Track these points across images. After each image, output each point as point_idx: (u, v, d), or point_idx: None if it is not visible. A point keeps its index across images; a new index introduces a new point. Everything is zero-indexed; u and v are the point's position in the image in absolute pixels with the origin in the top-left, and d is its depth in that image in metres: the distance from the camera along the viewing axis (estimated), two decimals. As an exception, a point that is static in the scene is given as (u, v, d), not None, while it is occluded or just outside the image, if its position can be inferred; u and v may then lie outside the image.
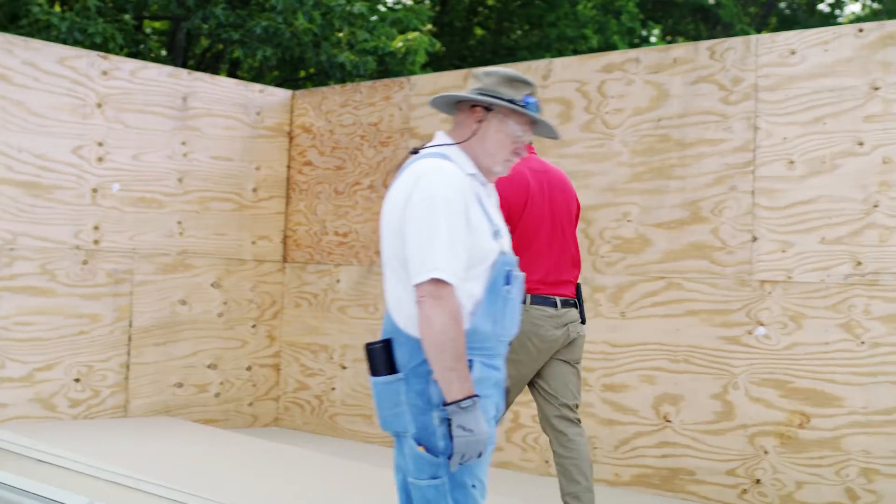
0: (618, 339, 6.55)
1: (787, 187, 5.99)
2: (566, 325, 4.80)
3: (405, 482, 3.17)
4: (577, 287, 4.93)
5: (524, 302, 4.69)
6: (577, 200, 5.02)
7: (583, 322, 4.91)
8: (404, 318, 3.11)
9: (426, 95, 7.72)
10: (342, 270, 8.14)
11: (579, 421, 4.86)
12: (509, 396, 4.79)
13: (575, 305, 4.88)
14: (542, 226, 4.81)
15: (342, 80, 13.80)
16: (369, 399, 7.81)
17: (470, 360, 3.07)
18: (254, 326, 8.36)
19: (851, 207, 5.76)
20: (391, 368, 3.12)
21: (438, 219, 3.02)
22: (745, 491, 6.00)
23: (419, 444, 3.07)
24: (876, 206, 5.68)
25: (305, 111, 8.57)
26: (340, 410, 8.06)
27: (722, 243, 6.20)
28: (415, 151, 3.25)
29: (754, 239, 6.08)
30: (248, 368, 8.32)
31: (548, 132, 3.37)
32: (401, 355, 3.12)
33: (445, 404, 2.97)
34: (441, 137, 3.28)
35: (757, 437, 5.98)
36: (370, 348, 3.16)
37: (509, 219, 4.68)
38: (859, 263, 5.70)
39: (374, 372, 3.15)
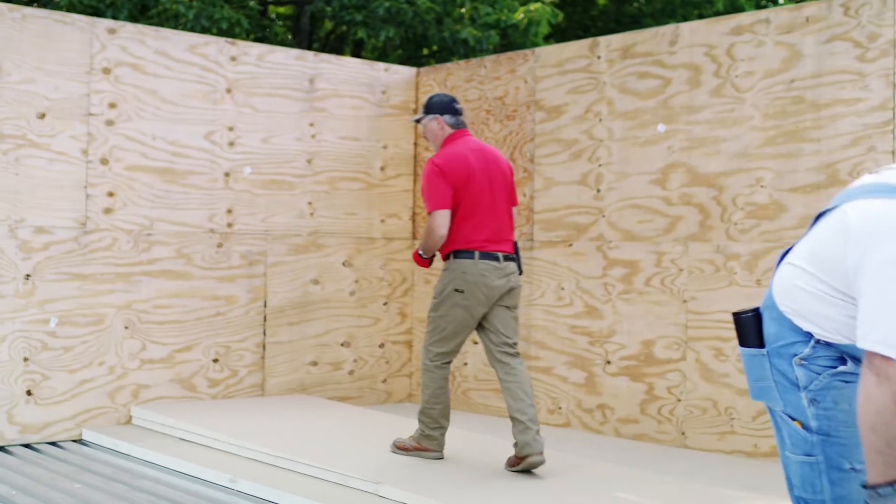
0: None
1: (930, 146, 5.77)
2: (507, 275, 5.79)
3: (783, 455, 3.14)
4: (515, 244, 5.92)
5: (473, 257, 5.68)
6: (509, 168, 6.00)
7: (520, 273, 5.88)
8: (788, 304, 3.01)
9: (551, 67, 7.64)
10: (471, 246, 8.12)
11: (518, 354, 5.85)
12: (461, 337, 5.85)
13: (513, 259, 5.85)
14: (483, 195, 5.80)
15: (465, 56, 13.79)
16: (502, 374, 7.81)
17: None
18: (385, 304, 8.42)
19: None
20: (758, 341, 3.08)
21: None
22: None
23: (793, 419, 3.04)
24: None
25: (430, 88, 8.58)
26: (473, 385, 8.07)
27: (861, 206, 6.00)
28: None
29: None
30: (381, 346, 8.39)
31: None
32: (769, 330, 3.06)
33: (865, 486, 2.81)
34: None
35: None
36: (739, 317, 3.12)
37: (456, 192, 5.72)
38: None
39: (741, 342, 3.13)
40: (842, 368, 2.95)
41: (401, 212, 8.56)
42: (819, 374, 2.96)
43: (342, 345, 8.15)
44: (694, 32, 6.83)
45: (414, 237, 8.58)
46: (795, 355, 2.98)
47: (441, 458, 5.88)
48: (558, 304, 7.48)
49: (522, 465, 5.54)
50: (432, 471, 5.58)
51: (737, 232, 6.52)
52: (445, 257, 5.85)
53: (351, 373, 8.20)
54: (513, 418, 5.60)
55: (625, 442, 6.91)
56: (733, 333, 6.45)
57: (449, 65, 8.62)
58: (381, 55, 16.47)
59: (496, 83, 8.06)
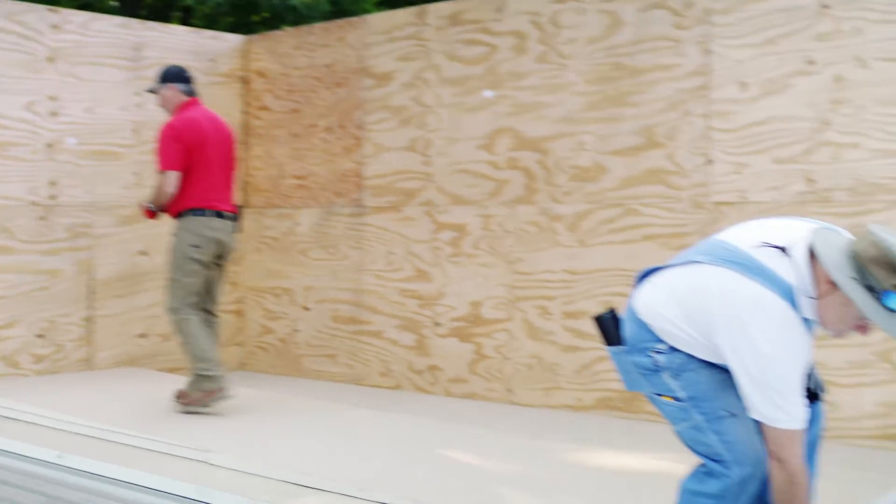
0: (577, 267, 6.59)
1: (741, 109, 6.01)
2: (232, 233, 6.36)
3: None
4: (237, 206, 6.49)
5: (206, 215, 6.19)
6: (233, 135, 6.55)
7: (237, 231, 6.47)
8: (650, 322, 3.29)
9: (380, 34, 7.67)
10: (302, 213, 8.12)
11: (217, 311, 6.45)
12: (200, 285, 6.24)
13: (236, 219, 6.42)
14: (214, 158, 6.29)
15: (296, 23, 13.68)
16: (333, 339, 7.86)
17: None
18: (217, 273, 8.34)
19: (803, 126, 5.79)
20: (619, 339, 3.38)
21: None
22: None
23: (664, 396, 3.31)
24: (827, 124, 5.71)
25: (259, 56, 8.50)
26: (305, 352, 8.08)
27: (677, 167, 6.23)
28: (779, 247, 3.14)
29: (709, 162, 6.11)
30: (214, 316, 8.30)
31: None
32: (628, 331, 3.36)
33: None
34: (793, 263, 3.11)
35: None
36: (600, 319, 3.41)
37: (190, 154, 6.16)
38: (812, 181, 5.75)
39: (605, 341, 3.42)
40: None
41: (231, 180, 8.46)
42: (676, 355, 3.25)
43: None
44: (520, 0, 6.95)
45: (245, 205, 8.50)
46: (651, 349, 3.28)
47: (229, 397, 6.17)
48: (388, 268, 7.55)
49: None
50: (266, 438, 5.58)
51: (561, 194, 6.69)
52: (178, 215, 6.26)
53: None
54: None
55: (455, 401, 7.04)
56: (558, 293, 6.63)
57: (278, 32, 8.57)
58: (211, 22, 16.18)
59: (325, 50, 8.05)
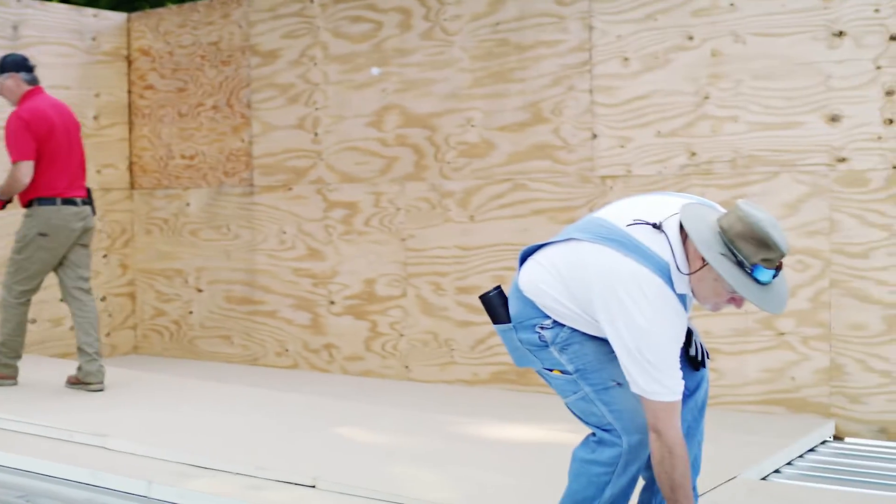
0: (468, 243, 6.68)
1: (623, 84, 6.15)
2: (84, 218, 6.40)
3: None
4: (88, 189, 6.52)
5: (56, 203, 6.26)
6: (78, 122, 6.59)
7: (94, 214, 6.52)
8: (534, 298, 3.34)
9: (265, 12, 7.63)
10: (191, 193, 8.07)
11: (91, 290, 6.54)
12: (43, 276, 6.46)
13: (88, 203, 6.46)
14: (61, 146, 6.34)
15: (179, 1, 13.48)
16: (227, 320, 7.84)
17: None
18: (105, 256, 8.24)
19: (684, 100, 5.95)
20: (506, 317, 3.43)
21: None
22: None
23: (552, 370, 3.38)
24: (707, 97, 5.87)
25: (143, 34, 8.39)
26: (199, 333, 8.05)
27: (563, 142, 6.35)
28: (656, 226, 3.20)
29: (594, 136, 6.24)
30: (103, 299, 8.21)
31: (769, 306, 3.15)
32: (514, 308, 3.41)
33: None
34: (667, 239, 3.19)
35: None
36: (485, 297, 3.47)
37: (39, 144, 6.21)
38: (694, 154, 5.91)
39: (492, 319, 3.48)
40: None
41: (117, 161, 8.36)
42: (562, 329, 3.32)
43: (61, 300, 7.92)
44: (403, -23, 6.99)
45: (132, 187, 8.41)
46: (537, 325, 3.35)
47: (17, 385, 6.44)
48: (281, 247, 7.55)
49: (83, 387, 6.32)
50: (161, 421, 5.57)
51: (450, 170, 6.76)
52: (27, 204, 6.33)
53: (72, 328, 7.99)
54: (81, 350, 6.35)
55: (352, 379, 7.09)
56: (450, 268, 6.72)
57: (161, 10, 8.45)
58: (93, 0, 15.87)
59: (210, 28, 7.98)
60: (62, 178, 6.34)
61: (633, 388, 3.16)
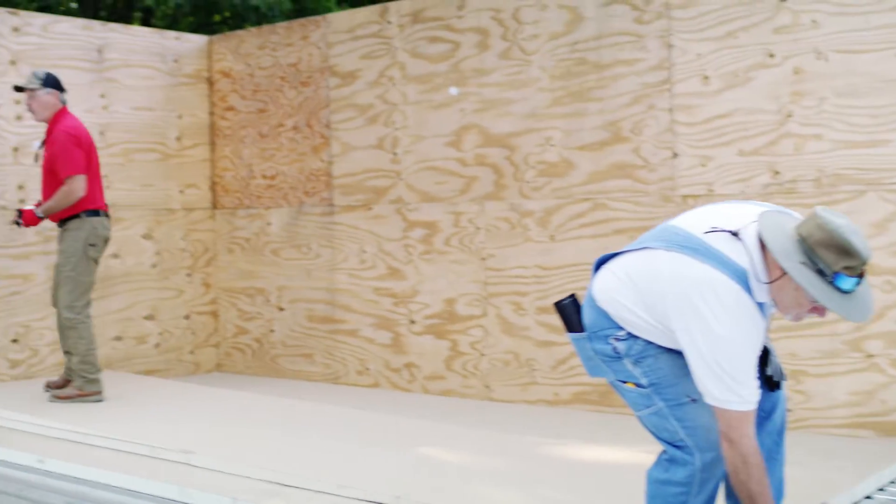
0: (548, 262, 6.67)
1: (704, 102, 6.11)
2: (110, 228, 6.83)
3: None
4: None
5: (100, 215, 6.64)
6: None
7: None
8: (607, 309, 3.32)
9: (343, 33, 7.71)
10: (272, 213, 8.16)
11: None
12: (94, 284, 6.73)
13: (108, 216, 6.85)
14: (95, 162, 6.70)
15: (258, 23, 13.67)
16: (308, 339, 7.91)
17: None
18: (189, 275, 8.38)
19: (766, 119, 5.90)
20: (579, 326, 3.41)
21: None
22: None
23: (626, 382, 3.34)
24: (790, 115, 5.82)
25: (223, 56, 8.53)
26: (281, 352, 8.13)
27: (644, 161, 6.33)
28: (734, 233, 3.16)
29: (675, 155, 6.21)
30: (187, 317, 8.35)
31: (853, 315, 3.10)
32: (588, 318, 3.38)
33: None
34: (745, 247, 3.15)
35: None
36: (559, 305, 3.45)
37: (87, 159, 6.58)
38: (777, 173, 5.86)
39: (566, 328, 3.46)
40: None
41: (199, 181, 8.50)
42: (636, 342, 3.28)
43: (146, 318, 8.07)
44: (481, -3, 7.03)
45: (214, 206, 8.54)
46: (611, 336, 3.31)
47: (103, 401, 6.61)
48: (361, 267, 7.60)
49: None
50: (245, 438, 5.63)
51: (529, 190, 6.77)
52: (69, 217, 6.59)
53: (157, 346, 8.14)
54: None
55: (432, 398, 7.11)
56: (531, 288, 6.72)
57: (241, 32, 8.59)
58: (172, 23, 16.14)
59: (289, 50, 8.08)
60: (100, 192, 6.72)
61: (707, 399, 3.12)
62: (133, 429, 5.76)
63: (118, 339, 7.87)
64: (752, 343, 3.10)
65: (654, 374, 3.28)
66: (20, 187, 7.32)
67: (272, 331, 8.18)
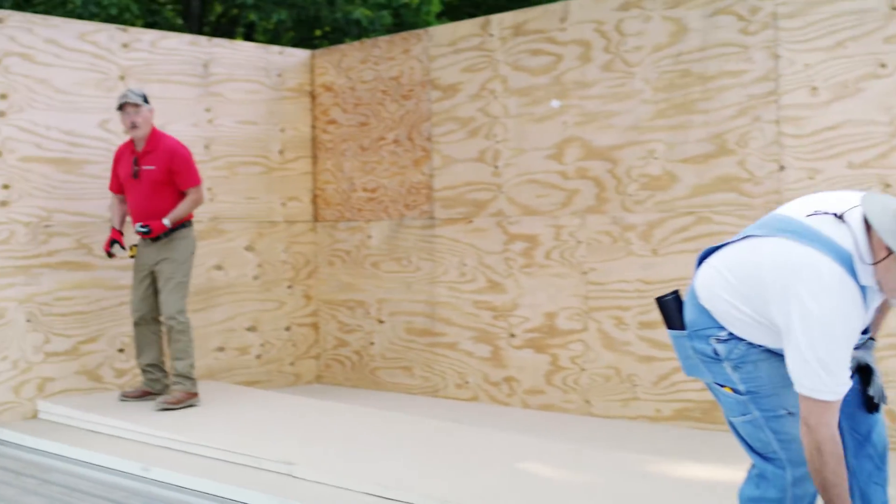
0: (651, 277, 6.59)
1: (812, 114, 5.98)
2: None
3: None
4: None
5: (192, 224, 7.04)
6: None
7: None
8: (709, 305, 3.27)
9: (444, 46, 7.73)
10: (373, 226, 8.20)
11: None
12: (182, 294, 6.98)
13: None
14: None
15: (358, 37, 13.81)
16: (408, 352, 7.92)
17: None
18: (290, 287, 8.45)
19: (877, 130, 5.75)
20: (680, 323, 3.35)
21: None
22: (786, 418, 6.04)
23: (723, 386, 3.29)
24: (902, 127, 5.67)
25: (326, 70, 8.60)
26: (381, 364, 8.16)
27: (749, 174, 6.21)
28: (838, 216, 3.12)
29: (781, 168, 6.09)
30: (287, 328, 8.42)
31: None
32: (689, 315, 3.34)
33: None
34: (850, 229, 3.10)
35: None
36: (661, 301, 3.40)
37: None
38: (888, 186, 5.70)
39: (666, 324, 3.41)
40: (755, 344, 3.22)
41: (301, 194, 8.58)
42: (737, 345, 3.21)
43: (248, 329, 8.16)
44: (583, 9, 6.97)
45: (315, 219, 8.61)
46: (712, 336, 3.24)
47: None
48: (461, 280, 7.59)
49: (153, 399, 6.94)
50: (347, 451, 5.65)
51: (632, 203, 6.70)
52: (179, 227, 6.96)
53: (258, 357, 8.22)
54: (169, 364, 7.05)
55: (532, 412, 7.06)
56: (633, 302, 6.64)
57: (343, 46, 8.65)
58: (273, 38, 16.38)
59: (391, 63, 8.12)
60: None
61: (796, 387, 3.04)
62: (235, 439, 5.82)
63: (220, 349, 7.97)
64: (850, 329, 3.02)
65: (752, 382, 3.21)
66: (127, 199, 7.45)
67: (372, 343, 8.21)
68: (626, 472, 5.14)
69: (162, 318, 7.02)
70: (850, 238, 3.04)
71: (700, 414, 6.36)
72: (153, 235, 6.81)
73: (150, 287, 6.99)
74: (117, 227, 7.06)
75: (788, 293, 3.02)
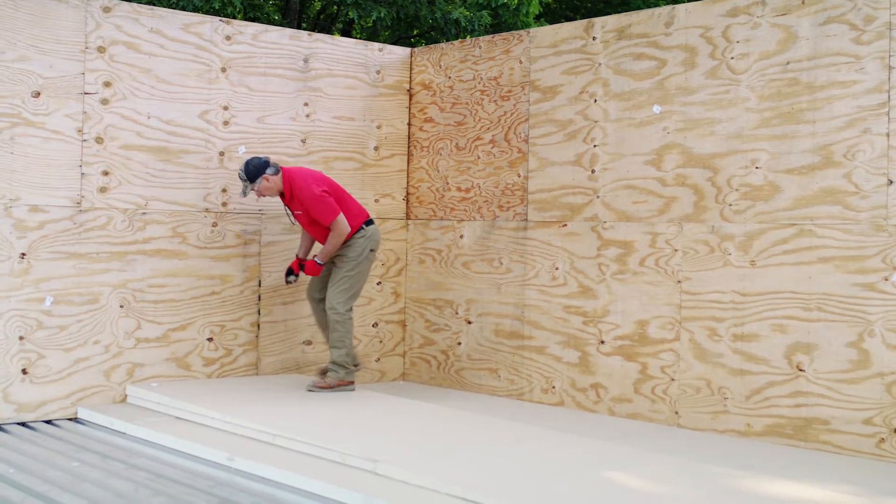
0: (748, 289, 6.44)
1: (924, 128, 5.81)
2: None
3: None
4: None
5: (374, 223, 7.46)
6: None
7: None
8: None
9: (546, 48, 7.65)
10: (465, 226, 8.15)
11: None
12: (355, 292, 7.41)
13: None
14: (338, 188, 7.43)
15: (456, 37, 13.78)
16: (495, 353, 7.85)
17: None
18: (379, 283, 8.44)
19: None
20: None
21: None
22: (882, 440, 5.87)
23: None
24: None
25: (425, 68, 8.58)
26: (466, 365, 8.10)
27: (856, 188, 6.04)
28: None
29: (890, 182, 5.91)
30: (375, 325, 8.41)
31: None
32: None
33: None
34: None
35: (895, 385, 5.84)
36: None
37: (332, 193, 7.26)
38: None
39: None
40: None
41: (395, 192, 8.56)
42: None
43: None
44: (690, 14, 6.85)
45: (408, 217, 8.59)
46: None
47: (354, 389, 7.31)
48: (552, 283, 7.51)
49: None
50: (432, 450, 5.61)
51: (731, 213, 6.56)
52: (354, 232, 7.31)
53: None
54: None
55: (618, 420, 6.95)
56: (727, 314, 6.50)
57: (442, 45, 8.62)
58: (371, 35, 16.44)
59: (490, 63, 8.07)
60: (357, 205, 7.47)
61: None
62: (319, 432, 5.81)
63: (308, 343, 7.99)
64: None
65: None
66: (224, 190, 7.50)
67: (459, 343, 8.16)
68: (717, 486, 5.02)
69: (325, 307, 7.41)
70: None
71: (792, 430, 6.20)
72: (308, 274, 7.36)
73: (328, 277, 7.45)
74: (301, 255, 7.59)
75: None
